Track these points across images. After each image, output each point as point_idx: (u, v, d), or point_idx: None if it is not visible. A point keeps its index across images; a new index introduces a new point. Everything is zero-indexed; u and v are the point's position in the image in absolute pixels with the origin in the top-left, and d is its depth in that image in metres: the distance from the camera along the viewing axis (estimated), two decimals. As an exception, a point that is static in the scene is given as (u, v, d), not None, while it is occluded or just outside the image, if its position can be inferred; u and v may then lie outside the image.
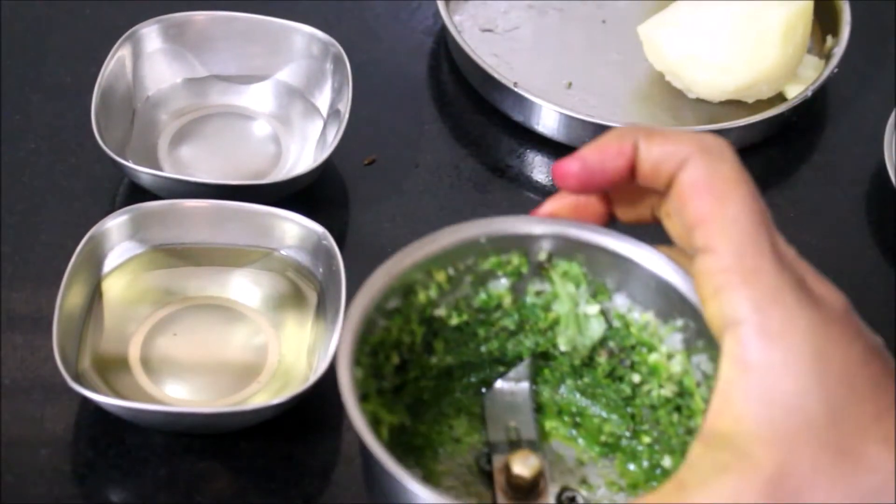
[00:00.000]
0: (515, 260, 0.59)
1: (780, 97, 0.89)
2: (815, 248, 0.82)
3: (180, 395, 0.70)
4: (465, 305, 0.60)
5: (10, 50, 0.90)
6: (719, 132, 0.85)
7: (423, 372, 0.60)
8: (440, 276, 0.58)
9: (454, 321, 0.60)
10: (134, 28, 0.84)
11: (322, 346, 0.71)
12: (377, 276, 0.56)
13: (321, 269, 0.74)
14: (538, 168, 0.86)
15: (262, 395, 0.70)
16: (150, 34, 0.85)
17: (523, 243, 0.59)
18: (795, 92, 0.88)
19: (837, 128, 0.91)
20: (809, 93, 0.87)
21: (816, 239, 0.83)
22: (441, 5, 0.90)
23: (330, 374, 0.71)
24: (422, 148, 0.87)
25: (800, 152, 0.89)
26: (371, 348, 0.57)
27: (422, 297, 0.58)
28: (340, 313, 0.69)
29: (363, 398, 0.56)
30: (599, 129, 0.84)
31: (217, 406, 0.69)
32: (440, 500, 0.50)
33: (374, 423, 0.56)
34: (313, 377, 0.67)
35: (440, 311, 0.59)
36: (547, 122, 0.86)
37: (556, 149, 0.86)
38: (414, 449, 0.60)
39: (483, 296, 0.60)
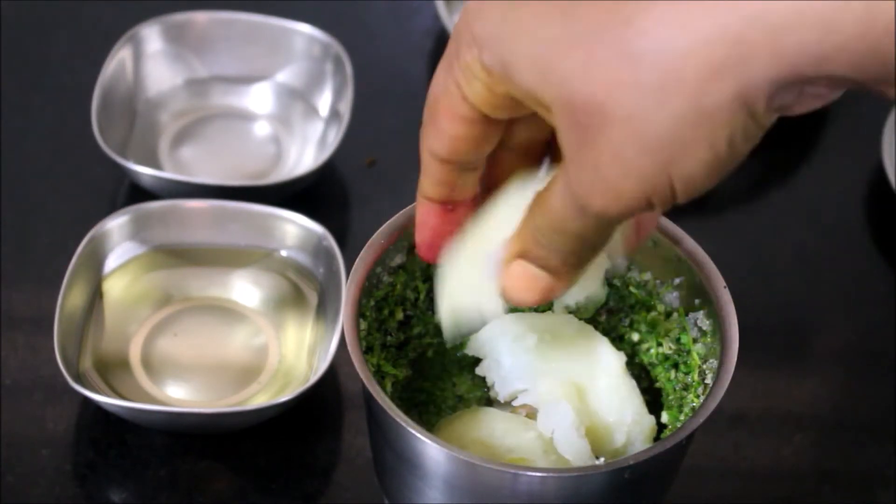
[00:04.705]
0: None
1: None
2: (815, 248, 0.82)
3: (181, 395, 0.70)
4: None
5: (11, 51, 0.90)
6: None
7: (426, 329, 0.61)
8: None
9: None
10: (134, 29, 0.84)
11: (322, 346, 0.71)
12: (382, 233, 0.57)
13: (322, 270, 0.74)
14: (538, 169, 0.86)
15: (263, 396, 0.70)
16: (151, 35, 0.85)
17: None
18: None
19: (836, 129, 0.91)
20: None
21: (816, 239, 0.83)
22: (441, 7, 0.90)
23: (330, 375, 0.71)
24: (422, 149, 0.87)
25: (799, 153, 0.89)
26: (376, 302, 0.58)
27: None
28: (341, 314, 0.69)
29: (368, 350, 0.57)
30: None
31: (218, 406, 0.69)
32: (443, 448, 0.51)
33: (379, 376, 0.57)
34: (313, 377, 0.67)
35: None
36: (546, 122, 0.86)
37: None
38: (417, 404, 0.61)
39: None
